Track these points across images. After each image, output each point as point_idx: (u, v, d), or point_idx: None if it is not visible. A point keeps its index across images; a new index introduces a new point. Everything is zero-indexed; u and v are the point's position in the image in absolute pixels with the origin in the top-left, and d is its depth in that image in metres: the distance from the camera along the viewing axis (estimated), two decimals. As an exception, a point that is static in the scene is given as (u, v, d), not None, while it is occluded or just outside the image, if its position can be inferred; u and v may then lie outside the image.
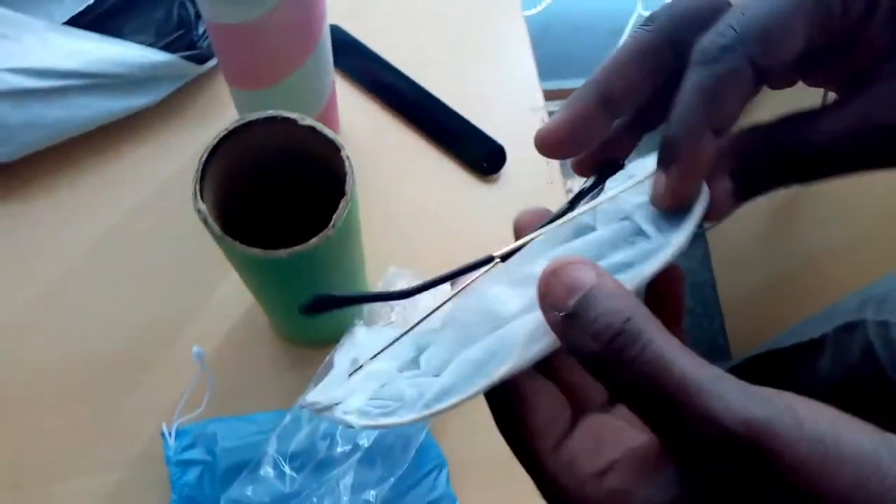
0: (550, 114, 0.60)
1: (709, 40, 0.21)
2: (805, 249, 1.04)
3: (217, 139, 0.33)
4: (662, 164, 0.22)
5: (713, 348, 1.28)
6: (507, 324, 0.22)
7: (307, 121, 0.34)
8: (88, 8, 0.54)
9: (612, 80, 0.23)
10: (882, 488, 0.16)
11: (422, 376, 0.23)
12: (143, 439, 0.47)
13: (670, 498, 0.18)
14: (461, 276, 0.24)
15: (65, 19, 0.53)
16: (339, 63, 0.58)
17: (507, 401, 0.22)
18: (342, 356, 0.25)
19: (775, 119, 0.22)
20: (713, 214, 0.22)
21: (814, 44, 0.21)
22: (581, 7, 1.30)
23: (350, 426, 0.22)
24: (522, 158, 0.56)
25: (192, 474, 0.45)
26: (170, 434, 0.45)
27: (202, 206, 0.32)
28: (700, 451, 0.17)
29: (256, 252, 0.32)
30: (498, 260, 0.23)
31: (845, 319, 0.64)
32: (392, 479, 0.44)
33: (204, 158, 0.33)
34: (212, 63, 0.55)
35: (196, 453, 0.45)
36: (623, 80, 0.23)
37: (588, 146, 0.25)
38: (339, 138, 0.34)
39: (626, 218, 0.23)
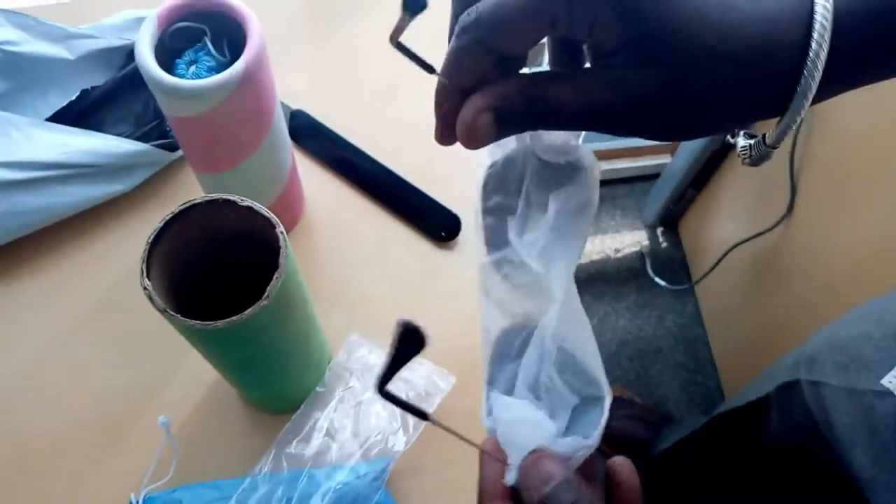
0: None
1: (461, 17, 0.27)
2: (788, 300, 1.06)
3: (163, 222, 0.37)
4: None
5: (708, 403, 1.28)
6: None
7: (246, 202, 0.38)
8: (72, 102, 0.59)
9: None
10: None
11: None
12: (114, 509, 0.49)
13: None
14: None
15: (50, 114, 0.58)
16: (304, 144, 0.62)
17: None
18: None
19: (533, 73, 0.27)
20: (471, 135, 0.28)
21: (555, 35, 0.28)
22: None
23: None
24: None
25: (158, 540, 0.47)
26: (137, 503, 0.47)
27: (147, 283, 0.35)
28: None
29: (195, 324, 0.35)
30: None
31: (784, 378, 0.63)
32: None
33: (151, 240, 0.36)
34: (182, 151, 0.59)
35: (162, 520, 0.47)
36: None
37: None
38: (273, 216, 0.37)
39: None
